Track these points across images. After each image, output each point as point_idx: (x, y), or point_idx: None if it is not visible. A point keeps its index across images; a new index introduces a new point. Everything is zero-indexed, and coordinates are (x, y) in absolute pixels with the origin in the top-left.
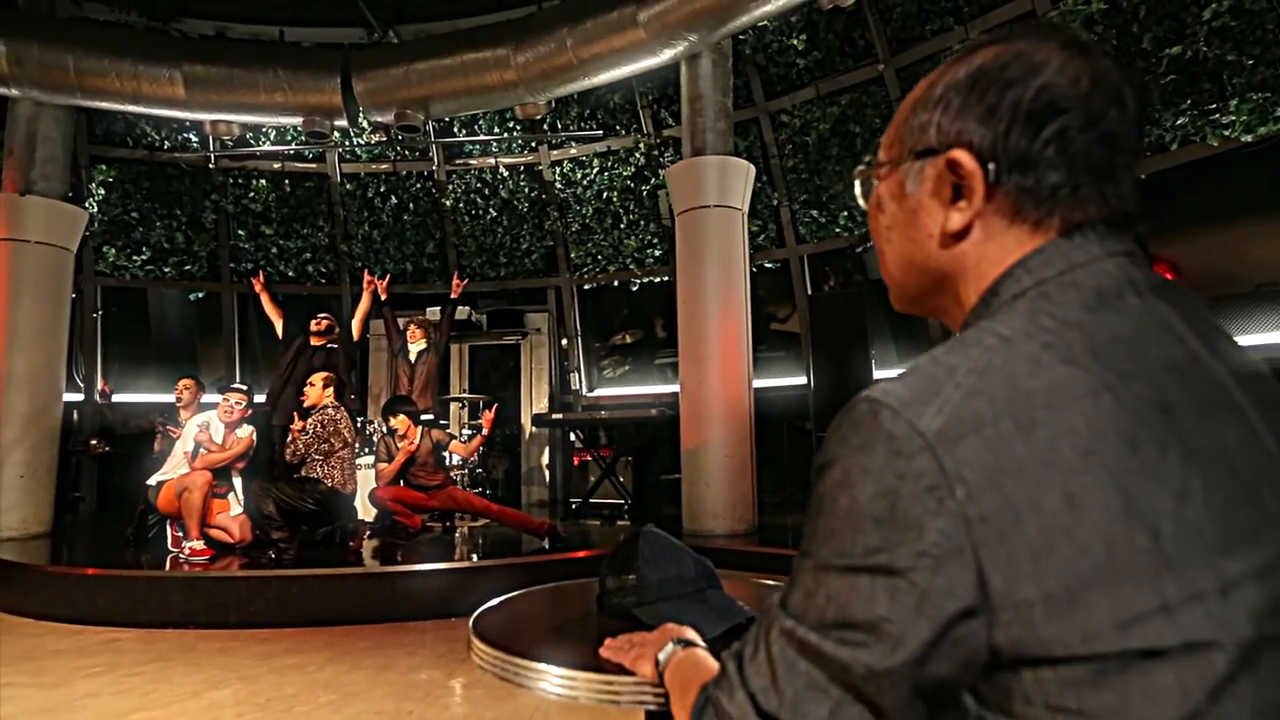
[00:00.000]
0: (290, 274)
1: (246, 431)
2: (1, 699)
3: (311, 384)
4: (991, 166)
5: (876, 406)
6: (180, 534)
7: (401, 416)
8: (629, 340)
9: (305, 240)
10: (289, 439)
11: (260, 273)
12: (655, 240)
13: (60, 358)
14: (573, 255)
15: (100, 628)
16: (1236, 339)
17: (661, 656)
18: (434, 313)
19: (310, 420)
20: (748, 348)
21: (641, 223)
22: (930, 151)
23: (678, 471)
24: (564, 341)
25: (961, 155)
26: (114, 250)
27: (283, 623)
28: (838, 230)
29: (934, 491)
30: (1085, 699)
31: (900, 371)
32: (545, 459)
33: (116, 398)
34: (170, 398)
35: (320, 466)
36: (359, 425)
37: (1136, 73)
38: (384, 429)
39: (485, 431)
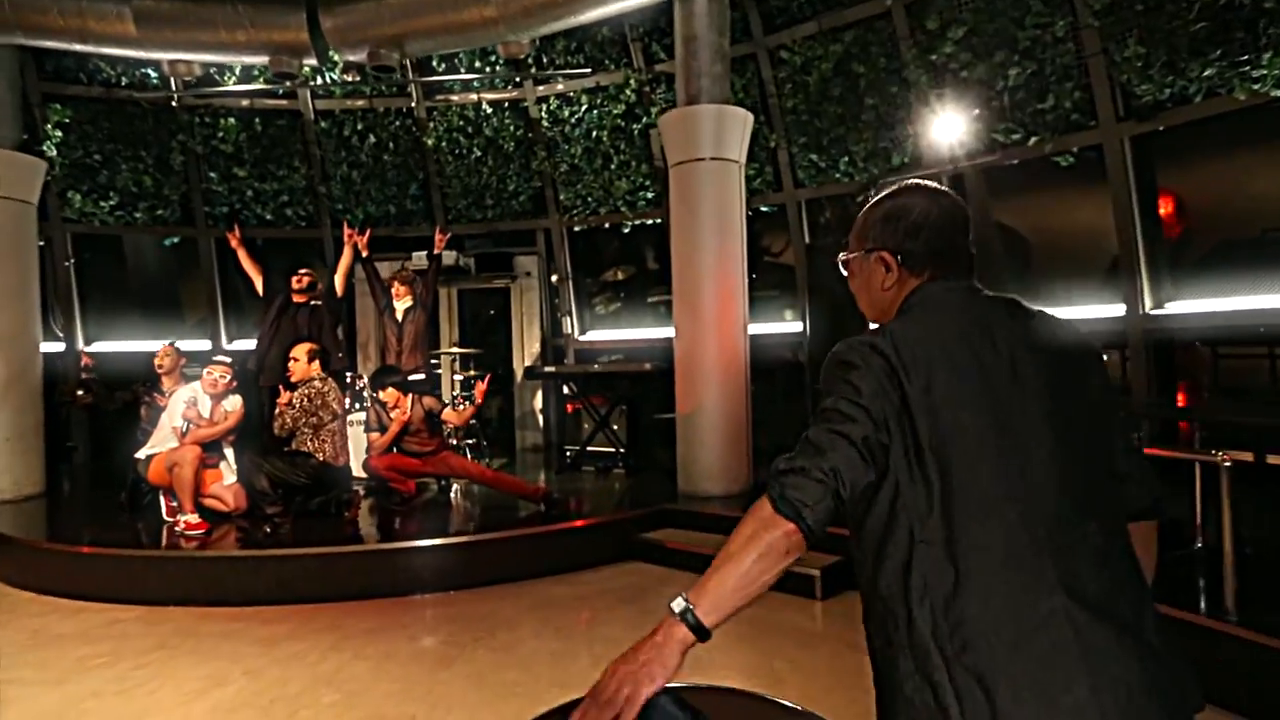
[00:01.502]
0: (268, 217)
1: (235, 404)
2: (7, 699)
3: (295, 358)
4: (899, 257)
5: (838, 353)
6: (174, 504)
7: (390, 389)
8: (620, 277)
9: (281, 182)
10: (276, 412)
11: (236, 226)
12: (647, 183)
13: (33, 315)
14: (562, 197)
15: (102, 605)
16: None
17: (678, 608)
18: (420, 258)
19: (297, 394)
20: (743, 307)
21: (633, 164)
22: (871, 250)
23: (671, 411)
24: (554, 278)
25: (884, 254)
26: (79, 196)
27: (284, 600)
28: (838, 175)
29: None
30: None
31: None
32: (539, 404)
33: (98, 346)
34: (154, 344)
35: (310, 440)
36: (348, 380)
37: (1164, 19)
38: (373, 399)
39: (478, 402)
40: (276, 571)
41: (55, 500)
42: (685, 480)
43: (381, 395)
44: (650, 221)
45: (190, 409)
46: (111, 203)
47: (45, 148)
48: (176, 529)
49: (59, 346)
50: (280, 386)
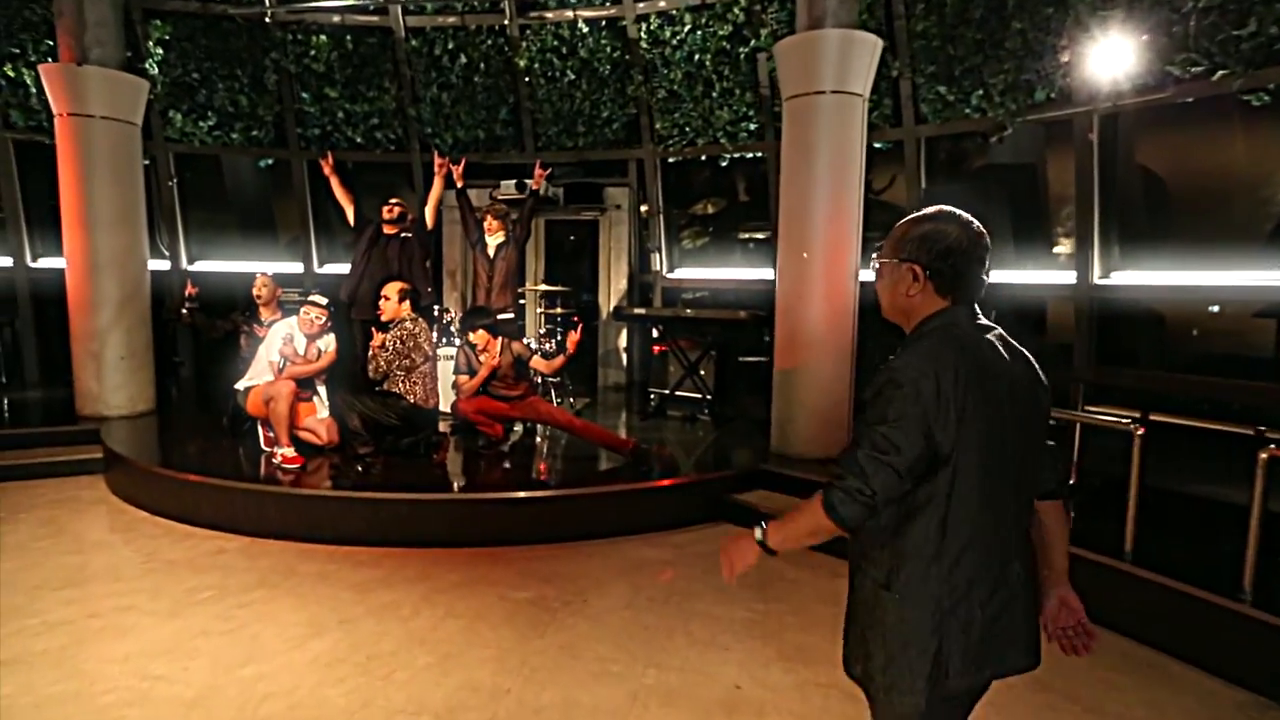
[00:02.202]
0: (358, 140)
1: (330, 344)
2: (127, 627)
3: (386, 297)
4: (928, 273)
5: (894, 371)
6: (271, 435)
7: (481, 331)
8: (710, 210)
9: (372, 104)
10: (370, 354)
11: (329, 153)
12: (751, 113)
13: (142, 237)
14: (658, 126)
15: (207, 533)
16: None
17: (757, 535)
18: (508, 187)
19: (389, 335)
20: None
21: (736, 91)
22: (904, 260)
23: (761, 357)
24: (644, 210)
25: (916, 267)
26: (180, 115)
27: (375, 541)
28: (967, 111)
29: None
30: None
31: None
32: (623, 342)
33: (200, 266)
34: (252, 266)
35: (402, 382)
36: (435, 314)
37: None
38: (463, 340)
39: (570, 351)
40: (368, 514)
41: (165, 418)
42: (780, 439)
43: (472, 337)
44: (751, 155)
45: (286, 345)
46: (210, 123)
47: (147, 66)
48: (274, 460)
49: (165, 265)
50: (373, 328)
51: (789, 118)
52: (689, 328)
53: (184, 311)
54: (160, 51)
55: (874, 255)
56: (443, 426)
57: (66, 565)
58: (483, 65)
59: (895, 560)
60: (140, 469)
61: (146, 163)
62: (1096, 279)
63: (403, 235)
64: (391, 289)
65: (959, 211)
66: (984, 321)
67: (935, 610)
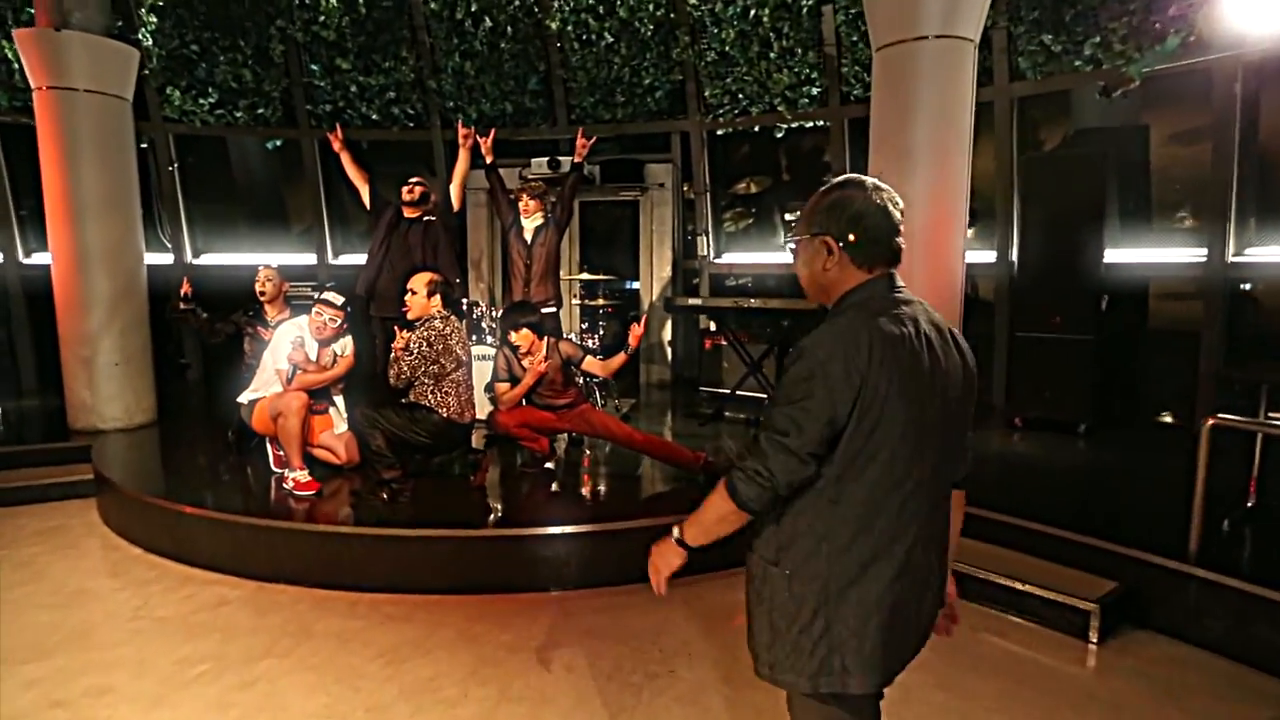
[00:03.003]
0: (374, 117)
1: (346, 348)
2: (101, 713)
3: (413, 291)
4: (841, 243)
5: (803, 348)
6: (281, 454)
7: (524, 331)
8: (754, 189)
9: (388, 76)
10: (392, 358)
11: (338, 126)
12: (814, 75)
13: (136, 226)
14: (707, 93)
15: (208, 576)
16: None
17: (674, 534)
18: (540, 165)
19: (415, 335)
20: (963, 238)
21: (798, 51)
22: (816, 234)
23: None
24: (685, 189)
25: (827, 239)
26: (178, 92)
27: (405, 587)
28: (1078, 63)
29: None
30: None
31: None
32: (667, 334)
33: (207, 259)
34: (262, 258)
35: (431, 392)
36: (464, 308)
37: None
38: (503, 342)
39: (631, 348)
40: (396, 555)
41: (167, 430)
42: None
43: (514, 337)
44: (811, 124)
45: (296, 351)
46: (211, 100)
47: (140, 36)
48: (285, 485)
49: (168, 258)
50: (395, 326)
51: (882, 71)
52: (749, 319)
53: (181, 311)
54: (154, 20)
55: (787, 238)
56: (475, 438)
57: (38, 625)
58: (510, 29)
59: (785, 538)
60: (131, 498)
61: (144, 145)
62: (1231, 257)
63: (426, 218)
64: (419, 281)
65: (864, 177)
66: (906, 294)
67: (822, 590)
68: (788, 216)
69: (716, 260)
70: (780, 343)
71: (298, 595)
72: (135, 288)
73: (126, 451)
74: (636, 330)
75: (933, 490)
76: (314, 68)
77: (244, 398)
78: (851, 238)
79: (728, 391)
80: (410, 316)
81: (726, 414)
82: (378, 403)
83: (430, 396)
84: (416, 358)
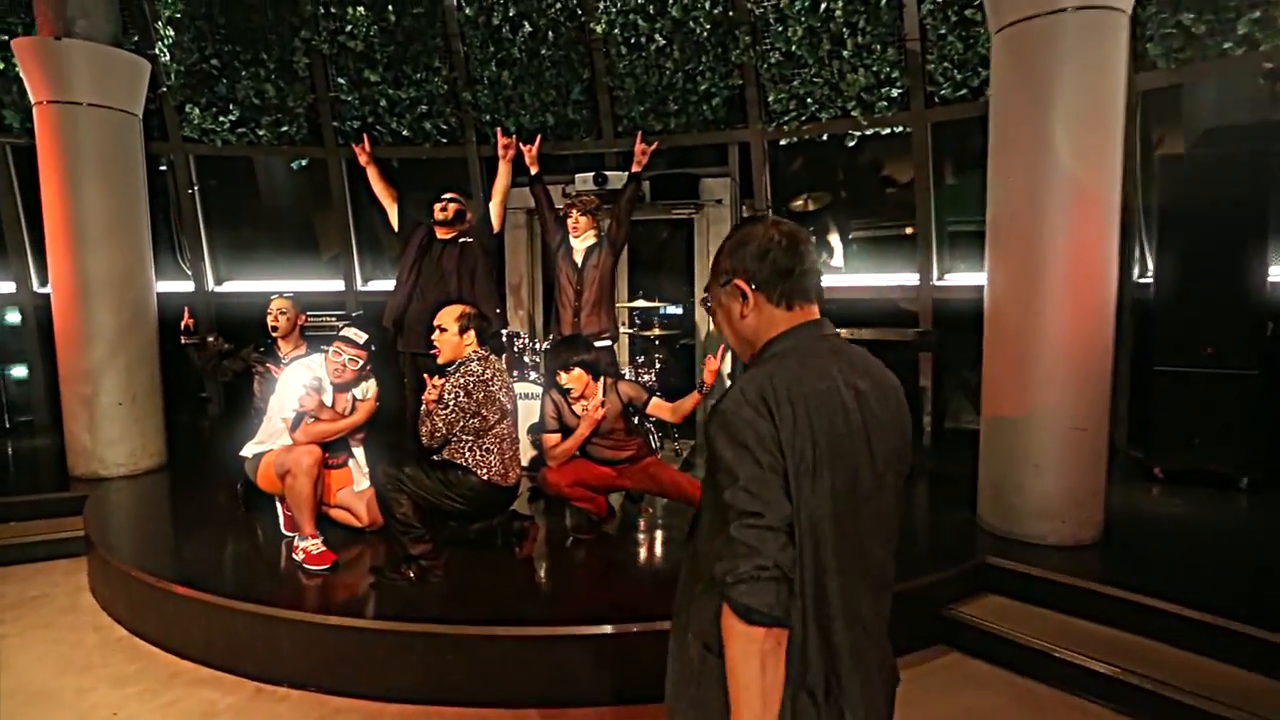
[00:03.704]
0: (404, 132)
1: (367, 392)
2: None
3: (441, 328)
4: (752, 284)
5: (725, 413)
6: (291, 515)
7: (577, 371)
8: (811, 206)
9: (419, 88)
10: (423, 410)
11: (365, 137)
12: (894, 74)
13: (143, 252)
14: (770, 98)
15: (199, 672)
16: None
17: None
18: (585, 180)
19: (449, 383)
20: (1114, 252)
21: (876, 48)
22: (727, 280)
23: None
24: (743, 204)
25: (738, 280)
26: (198, 110)
27: (437, 698)
28: (1226, 45)
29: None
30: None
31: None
32: (727, 366)
33: (228, 287)
34: (287, 286)
35: (470, 450)
36: (504, 337)
37: None
38: (551, 385)
39: (707, 386)
40: (427, 656)
41: (175, 478)
42: (997, 514)
43: (564, 379)
44: (888, 131)
45: (309, 398)
46: (232, 117)
47: (158, 51)
48: (295, 557)
49: (187, 286)
50: (425, 374)
51: (1005, 56)
52: None
53: (183, 345)
54: (172, 33)
55: (701, 296)
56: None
57: None
58: (551, 34)
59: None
60: (116, 569)
61: (163, 168)
62: None
63: (461, 239)
64: (448, 317)
65: (764, 214)
66: (835, 341)
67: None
68: (853, 235)
69: None
70: None
71: (303, 704)
72: (143, 319)
73: (123, 507)
74: (712, 364)
75: (879, 569)
76: (340, 81)
77: (248, 450)
78: (760, 274)
79: None
80: (441, 360)
81: None
82: (403, 459)
83: (468, 455)
84: (453, 411)
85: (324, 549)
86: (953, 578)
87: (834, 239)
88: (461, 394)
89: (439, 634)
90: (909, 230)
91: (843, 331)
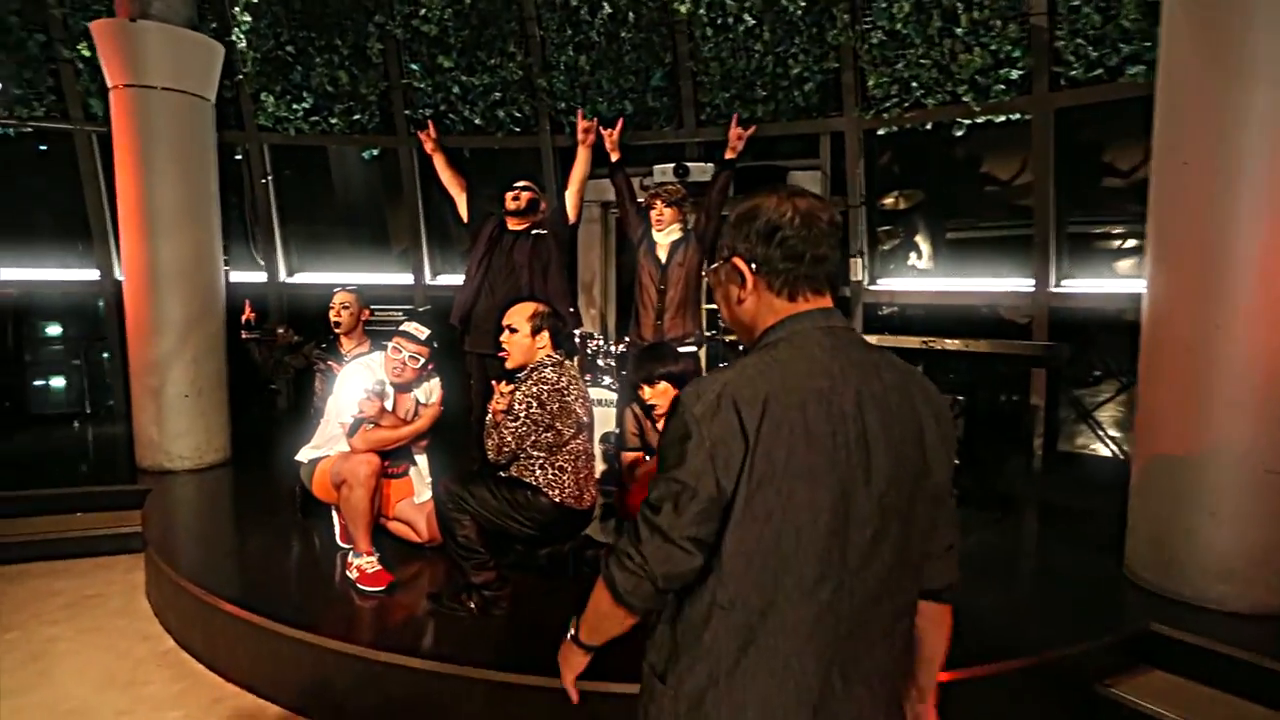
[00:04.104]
0: (477, 121)
1: (431, 393)
2: None
3: (512, 328)
4: (753, 265)
5: (678, 401)
6: (346, 535)
7: (663, 385)
8: (902, 205)
9: (493, 74)
10: (489, 421)
11: (429, 123)
12: (1017, 53)
13: (213, 240)
14: (870, 83)
15: (241, 695)
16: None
17: (570, 631)
18: (664, 172)
19: (521, 392)
20: None
21: (995, 24)
22: (726, 258)
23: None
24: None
25: (738, 260)
26: (272, 98)
27: None
28: None
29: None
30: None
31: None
32: None
33: (301, 278)
34: (358, 279)
35: (542, 467)
36: (576, 339)
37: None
38: (633, 399)
39: None
40: (490, 701)
41: (237, 474)
42: (1157, 568)
43: (647, 394)
44: (1002, 119)
45: (371, 402)
46: (305, 105)
47: (234, 37)
48: (349, 574)
49: (259, 277)
50: (493, 379)
51: (1183, 17)
52: (941, 365)
53: (244, 340)
54: (248, 19)
55: (705, 272)
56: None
57: None
58: (631, 15)
59: (673, 644)
60: (167, 577)
61: (238, 157)
62: None
63: (534, 231)
64: (519, 315)
65: (788, 185)
66: (845, 333)
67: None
68: (952, 235)
69: (873, 287)
70: (965, 392)
71: None
72: (211, 310)
73: (182, 504)
74: None
75: (873, 606)
76: (414, 67)
77: (303, 455)
78: (766, 257)
79: None
80: (510, 365)
81: None
82: (467, 473)
83: (538, 473)
84: (523, 423)
85: (379, 568)
86: (1107, 647)
87: (922, 240)
88: (534, 404)
89: (503, 682)
90: (1011, 231)
91: (951, 343)
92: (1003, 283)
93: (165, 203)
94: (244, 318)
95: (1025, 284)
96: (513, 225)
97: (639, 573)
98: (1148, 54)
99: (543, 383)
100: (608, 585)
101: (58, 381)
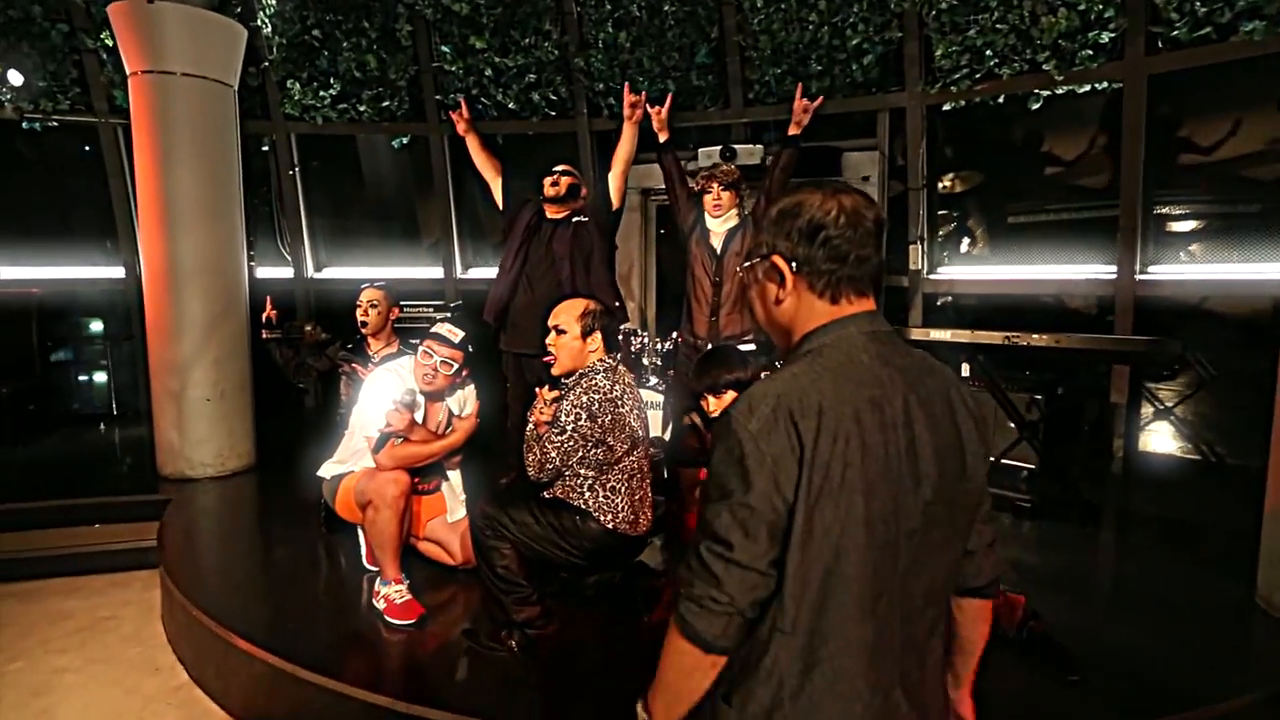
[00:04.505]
0: (510, 105)
1: (466, 403)
2: None
3: (559, 328)
4: (793, 264)
5: (728, 418)
6: (372, 556)
7: (729, 395)
8: (959, 188)
9: (528, 54)
10: (528, 433)
11: (462, 103)
12: (1109, 12)
13: (236, 235)
14: (938, 52)
15: None
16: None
17: (640, 713)
18: (710, 155)
19: (569, 402)
20: None
21: None
22: (766, 254)
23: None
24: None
25: (777, 258)
26: (298, 85)
27: None
28: None
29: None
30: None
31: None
32: None
33: (329, 273)
34: (389, 274)
35: (591, 489)
36: (620, 336)
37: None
38: (693, 410)
39: None
40: None
41: (262, 483)
42: None
43: (712, 405)
44: (1091, 87)
45: (400, 414)
46: (333, 92)
47: (259, 22)
48: (375, 603)
49: (287, 272)
50: (536, 386)
51: None
52: (1022, 362)
53: (265, 340)
54: (273, 2)
55: (742, 268)
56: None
57: None
58: None
59: (735, 669)
60: (181, 605)
61: (265, 148)
62: None
63: (575, 219)
64: (568, 313)
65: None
66: (891, 339)
67: None
68: (1012, 219)
69: (934, 276)
70: (1050, 391)
71: None
72: (234, 309)
73: (202, 516)
74: None
75: (919, 615)
76: (445, 49)
77: (326, 470)
78: (807, 256)
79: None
80: (557, 370)
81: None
82: (505, 497)
83: (587, 495)
84: (570, 437)
85: (409, 598)
86: (1261, 702)
87: (977, 225)
88: (583, 416)
89: None
90: (1078, 214)
91: (1039, 338)
92: (1079, 269)
93: (186, 194)
94: (264, 315)
95: (1106, 270)
96: (551, 213)
97: (728, 611)
98: (1267, 6)
99: (594, 391)
100: (692, 639)
101: (85, 382)
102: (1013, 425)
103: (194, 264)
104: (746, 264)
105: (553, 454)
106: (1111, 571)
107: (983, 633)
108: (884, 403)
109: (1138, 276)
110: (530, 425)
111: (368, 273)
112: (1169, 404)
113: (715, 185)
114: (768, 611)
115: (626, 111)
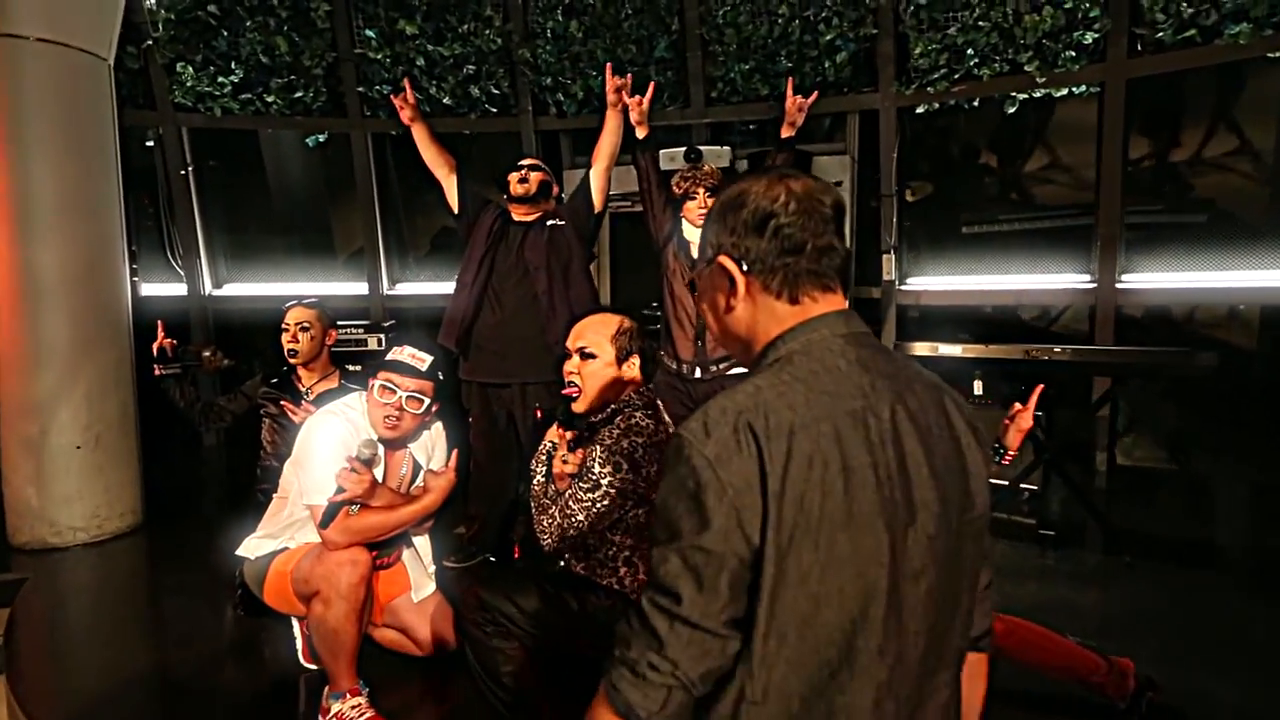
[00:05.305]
0: (445, 100)
1: (432, 445)
2: None
3: (588, 351)
4: (741, 263)
5: (681, 441)
6: (311, 651)
7: None
8: (910, 197)
9: (466, 43)
10: (537, 489)
11: (406, 86)
12: (1094, 12)
13: (114, 244)
14: (915, 50)
15: None
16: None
17: None
18: (673, 156)
19: (602, 448)
20: None
21: None
22: (710, 259)
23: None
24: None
25: (724, 258)
26: (191, 69)
27: None
28: None
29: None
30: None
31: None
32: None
33: (230, 290)
34: (302, 289)
35: (629, 563)
36: None
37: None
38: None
39: (1009, 454)
40: None
41: (152, 545)
42: None
43: None
44: (1062, 93)
45: (357, 478)
46: (234, 79)
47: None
48: None
49: (179, 289)
50: (556, 435)
51: None
52: (1039, 377)
53: (159, 376)
54: None
55: (694, 273)
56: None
57: None
58: None
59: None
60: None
61: (150, 144)
62: None
63: (548, 221)
64: (598, 332)
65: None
66: (868, 340)
67: None
68: (968, 230)
69: (905, 286)
70: (1050, 409)
71: None
72: (112, 332)
73: (70, 597)
74: (1024, 417)
75: (926, 680)
76: (369, 34)
77: (248, 548)
78: (757, 251)
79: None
80: (583, 406)
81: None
82: (508, 579)
83: (623, 571)
84: (606, 494)
85: (370, 713)
86: None
87: (929, 238)
88: (624, 466)
89: None
90: (1034, 224)
91: (1061, 350)
92: (1055, 279)
93: (45, 189)
94: (155, 345)
95: (1080, 280)
96: (519, 215)
97: (669, 682)
98: (1254, 8)
99: (635, 433)
100: (622, 713)
101: None
102: (1036, 445)
103: (57, 276)
104: (699, 271)
105: (580, 516)
106: (1185, 610)
107: (980, 690)
108: (868, 416)
109: (1117, 287)
110: (538, 479)
111: (275, 289)
112: (1143, 415)
113: (701, 190)
114: (731, 683)
115: (610, 97)
